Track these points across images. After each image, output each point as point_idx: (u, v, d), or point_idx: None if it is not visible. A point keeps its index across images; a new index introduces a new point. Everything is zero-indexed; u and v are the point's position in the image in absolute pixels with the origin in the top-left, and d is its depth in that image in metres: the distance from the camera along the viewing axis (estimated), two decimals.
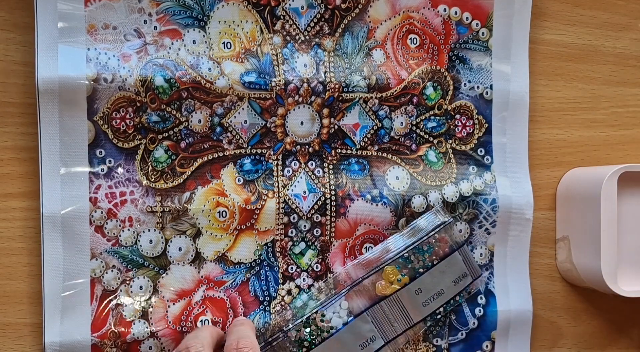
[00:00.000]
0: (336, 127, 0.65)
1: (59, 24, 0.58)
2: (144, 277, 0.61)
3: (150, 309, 0.61)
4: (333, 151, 0.65)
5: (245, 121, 0.63)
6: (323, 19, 0.65)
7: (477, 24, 0.69)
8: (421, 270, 0.64)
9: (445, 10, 0.67)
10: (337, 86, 0.64)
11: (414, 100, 0.67)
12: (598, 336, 0.75)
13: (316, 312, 0.62)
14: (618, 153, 0.75)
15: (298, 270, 0.65)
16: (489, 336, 0.70)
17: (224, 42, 0.62)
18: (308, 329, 0.62)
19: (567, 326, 0.74)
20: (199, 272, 0.62)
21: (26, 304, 0.60)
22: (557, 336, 0.73)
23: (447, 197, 0.67)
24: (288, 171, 0.64)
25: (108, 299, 0.60)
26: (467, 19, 0.68)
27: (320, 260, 0.65)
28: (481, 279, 0.67)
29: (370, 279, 0.64)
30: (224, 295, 0.63)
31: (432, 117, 0.68)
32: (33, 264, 0.60)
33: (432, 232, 0.65)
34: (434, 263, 0.64)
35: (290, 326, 0.62)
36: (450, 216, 0.67)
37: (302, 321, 0.62)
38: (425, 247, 0.64)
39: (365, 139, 0.66)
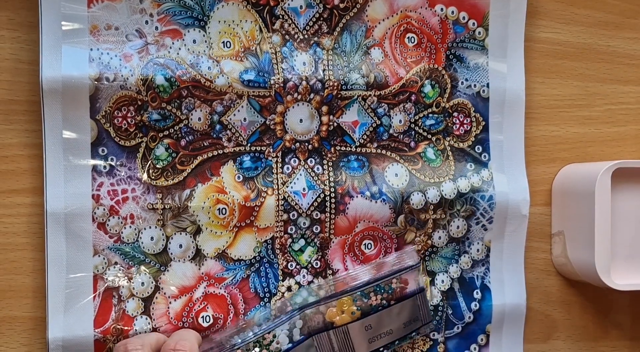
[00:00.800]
0: (335, 124, 0.65)
1: (63, 25, 0.58)
2: (145, 274, 0.61)
3: (152, 305, 0.61)
4: (332, 148, 0.66)
5: (245, 119, 0.63)
6: (322, 18, 0.65)
7: (473, 24, 0.69)
8: (377, 308, 0.64)
9: (442, 9, 0.68)
10: (335, 84, 0.64)
11: (412, 98, 0.67)
12: (591, 328, 0.76)
13: (268, 333, 0.62)
14: (612, 149, 0.75)
15: (298, 267, 0.65)
16: (484, 329, 0.70)
17: (223, 42, 0.63)
18: (257, 349, 0.61)
19: (562, 318, 0.74)
20: (199, 269, 0.63)
21: (31, 298, 0.60)
22: (552, 329, 0.74)
23: (445, 194, 0.68)
24: (287, 168, 0.65)
25: (110, 295, 0.60)
26: (463, 18, 0.69)
27: (319, 257, 0.66)
28: (430, 325, 0.68)
29: (326, 304, 0.64)
30: (225, 291, 0.63)
31: (430, 115, 0.68)
32: (37, 259, 0.60)
33: (398, 274, 0.65)
34: (390, 303, 0.65)
35: (239, 343, 0.61)
36: (419, 260, 0.68)
37: (251, 341, 0.62)
38: (386, 287, 0.65)
39: (365, 137, 0.66)
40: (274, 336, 0.62)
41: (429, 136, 0.68)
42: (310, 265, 0.66)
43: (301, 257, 0.65)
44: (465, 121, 0.69)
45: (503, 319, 0.71)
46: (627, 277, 0.70)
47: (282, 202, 0.64)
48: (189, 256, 0.63)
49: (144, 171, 0.61)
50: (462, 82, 0.69)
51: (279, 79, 0.63)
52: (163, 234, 0.62)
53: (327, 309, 0.63)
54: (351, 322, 0.63)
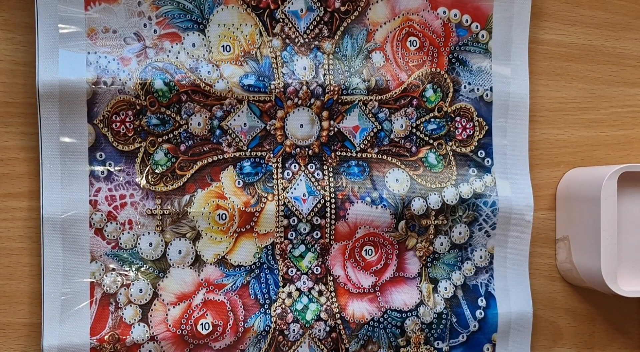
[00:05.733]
0: (336, 129, 0.65)
1: (60, 28, 0.58)
2: (143, 280, 0.61)
3: (150, 313, 0.61)
4: (333, 154, 0.65)
5: (245, 124, 0.63)
6: (322, 22, 0.65)
7: (476, 27, 0.68)
8: None
9: (444, 12, 0.67)
10: (336, 89, 0.64)
11: (414, 103, 0.67)
12: (598, 336, 0.75)
13: None
14: (618, 153, 0.75)
15: (298, 273, 0.65)
16: (490, 338, 0.70)
17: (223, 45, 0.62)
18: None
19: (567, 326, 0.74)
20: (198, 275, 0.62)
21: (26, 304, 0.60)
22: (557, 336, 0.73)
23: (447, 200, 0.67)
24: (288, 174, 0.64)
25: (107, 302, 0.60)
26: (466, 21, 0.68)
27: (320, 263, 0.65)
28: None
29: None
30: (225, 298, 0.63)
31: (432, 120, 0.68)
32: (33, 264, 0.60)
33: None
34: None
35: None
36: None
37: None
38: None
39: (365, 142, 0.66)
40: None
41: (431, 141, 0.68)
42: (310, 271, 0.65)
43: (301, 263, 0.65)
44: (467, 126, 0.69)
45: (509, 327, 0.70)
46: (634, 284, 0.70)
47: (283, 207, 0.64)
48: (188, 262, 0.62)
49: (143, 176, 0.61)
50: (465, 86, 0.68)
51: (279, 83, 0.63)
52: (162, 240, 0.62)
53: None
54: None
